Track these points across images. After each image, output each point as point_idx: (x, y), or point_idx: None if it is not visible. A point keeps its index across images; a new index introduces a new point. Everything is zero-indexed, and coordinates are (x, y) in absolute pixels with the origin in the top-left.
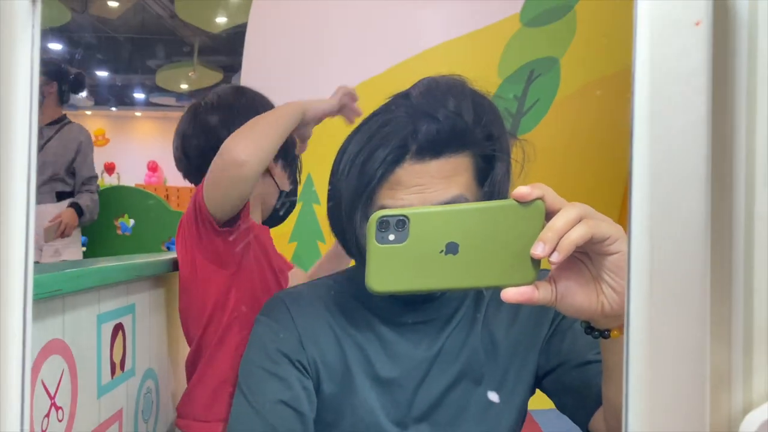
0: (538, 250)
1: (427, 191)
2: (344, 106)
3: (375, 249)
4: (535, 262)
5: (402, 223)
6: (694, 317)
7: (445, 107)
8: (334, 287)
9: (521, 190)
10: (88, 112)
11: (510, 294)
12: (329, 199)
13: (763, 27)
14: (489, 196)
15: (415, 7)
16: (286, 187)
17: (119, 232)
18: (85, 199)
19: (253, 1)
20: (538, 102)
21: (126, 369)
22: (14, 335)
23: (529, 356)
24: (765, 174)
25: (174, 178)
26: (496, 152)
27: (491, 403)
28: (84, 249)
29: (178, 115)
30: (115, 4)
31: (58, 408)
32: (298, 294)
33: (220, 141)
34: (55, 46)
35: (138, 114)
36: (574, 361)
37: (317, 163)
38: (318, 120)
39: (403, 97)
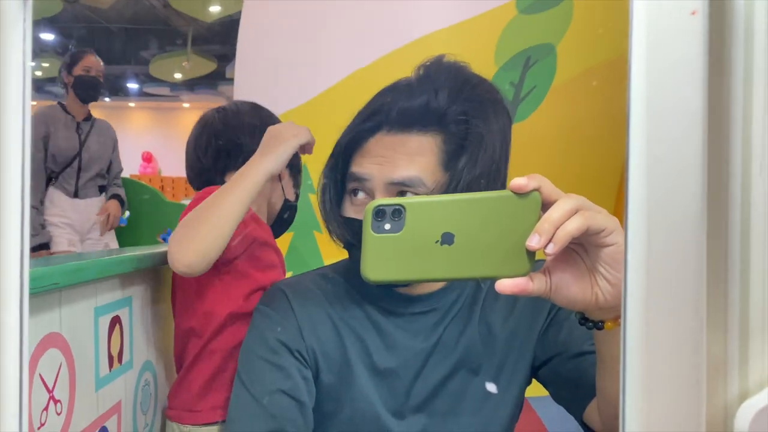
0: (534, 241)
1: (386, 164)
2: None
3: (371, 238)
4: (531, 253)
5: (398, 212)
6: (691, 306)
7: (426, 85)
8: (332, 277)
9: (518, 182)
10: None
11: (504, 285)
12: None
13: (759, 16)
14: (450, 180)
15: None
16: (292, 196)
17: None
18: (122, 192)
19: None
20: (534, 89)
21: (124, 362)
22: (11, 329)
23: (526, 347)
24: (761, 162)
25: (168, 168)
26: (467, 138)
27: (488, 393)
28: None
29: (172, 105)
30: None
31: (56, 401)
32: (297, 284)
33: (226, 153)
34: (47, 36)
35: (132, 105)
36: (570, 352)
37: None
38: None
39: (408, 76)
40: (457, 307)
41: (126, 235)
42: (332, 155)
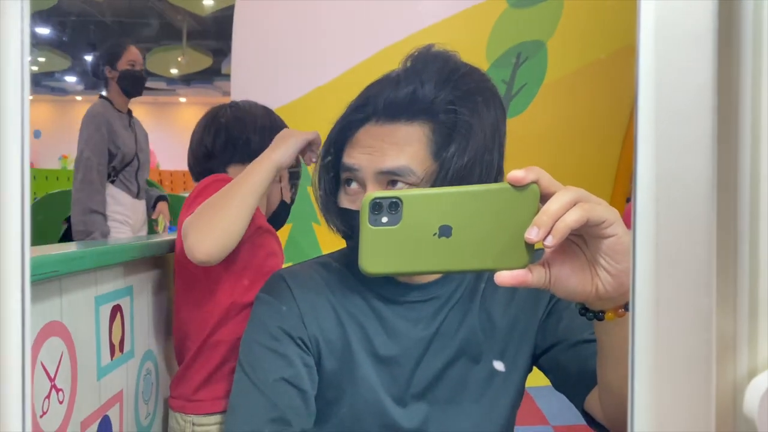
0: (532, 234)
1: (375, 154)
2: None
3: (368, 231)
4: (529, 245)
5: (395, 205)
6: (700, 283)
7: (412, 75)
8: (333, 265)
9: (516, 174)
10: (78, 98)
11: (503, 277)
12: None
13: None
14: (440, 168)
15: None
16: (288, 198)
17: None
18: (164, 193)
19: None
20: (525, 86)
21: (125, 351)
22: (13, 317)
23: (526, 335)
24: None
25: (167, 162)
26: (455, 127)
27: (489, 380)
28: None
29: (168, 99)
30: None
31: (58, 390)
32: (298, 272)
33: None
34: (42, 30)
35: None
36: (571, 341)
37: None
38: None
39: (400, 64)
40: (458, 296)
41: None
42: (324, 147)
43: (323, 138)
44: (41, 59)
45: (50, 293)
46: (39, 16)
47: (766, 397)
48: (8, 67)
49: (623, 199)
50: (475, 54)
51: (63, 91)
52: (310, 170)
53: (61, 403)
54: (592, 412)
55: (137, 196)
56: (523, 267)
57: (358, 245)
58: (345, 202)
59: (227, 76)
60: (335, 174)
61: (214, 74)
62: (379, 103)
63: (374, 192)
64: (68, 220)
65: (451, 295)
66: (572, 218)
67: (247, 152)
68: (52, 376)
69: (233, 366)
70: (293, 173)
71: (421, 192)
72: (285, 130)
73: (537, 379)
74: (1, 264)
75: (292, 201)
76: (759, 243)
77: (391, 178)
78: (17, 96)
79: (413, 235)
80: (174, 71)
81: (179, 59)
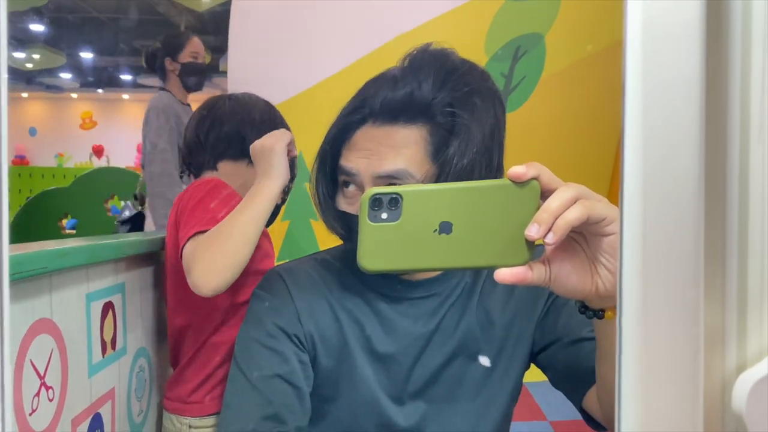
0: (533, 231)
1: (372, 157)
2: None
3: (367, 227)
4: (530, 242)
5: (395, 201)
6: (688, 277)
7: (409, 76)
8: (330, 262)
9: (516, 170)
10: (74, 95)
11: (503, 274)
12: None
13: None
14: (439, 171)
15: None
16: (279, 198)
17: (109, 214)
18: None
19: None
20: (524, 79)
21: (117, 348)
22: None
23: (525, 332)
24: (759, 132)
25: None
26: (454, 128)
27: (487, 378)
28: (73, 232)
29: None
30: None
31: (48, 388)
32: (295, 268)
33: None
34: (37, 27)
35: (126, 96)
36: (569, 338)
37: (308, 142)
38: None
39: (398, 64)
40: (457, 293)
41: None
42: (321, 149)
43: (320, 138)
44: (36, 56)
45: (40, 290)
46: (33, 12)
47: (755, 392)
48: None
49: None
50: (474, 48)
51: (58, 89)
52: (309, 167)
53: (51, 401)
54: (590, 410)
55: None
56: (524, 264)
57: (357, 242)
58: (343, 204)
59: (225, 73)
60: (332, 176)
61: (211, 71)
62: (376, 105)
63: (374, 188)
64: (139, 212)
65: (451, 292)
66: (573, 215)
67: (241, 148)
68: (42, 373)
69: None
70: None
71: (422, 188)
72: (255, 144)
73: (535, 374)
74: None
75: (284, 201)
76: (747, 237)
77: (389, 182)
78: None
79: (413, 232)
80: None
81: None
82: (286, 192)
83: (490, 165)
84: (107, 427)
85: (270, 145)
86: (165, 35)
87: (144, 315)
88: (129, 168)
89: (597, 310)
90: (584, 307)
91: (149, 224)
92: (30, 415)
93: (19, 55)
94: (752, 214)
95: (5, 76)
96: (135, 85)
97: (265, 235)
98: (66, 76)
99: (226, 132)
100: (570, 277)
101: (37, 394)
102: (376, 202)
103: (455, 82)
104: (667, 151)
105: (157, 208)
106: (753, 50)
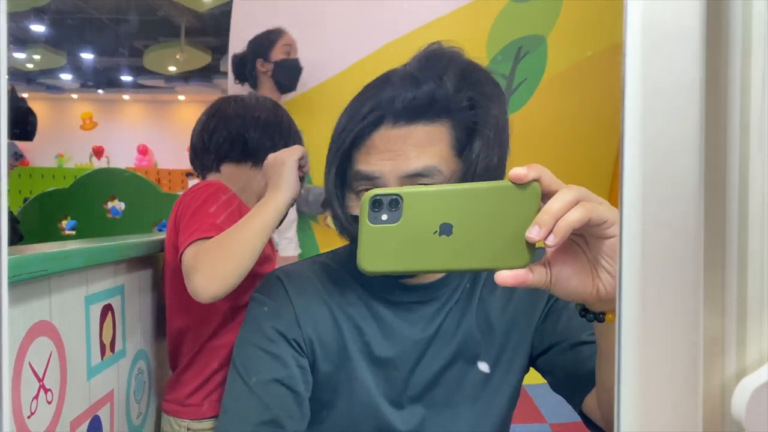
0: (533, 233)
1: (399, 158)
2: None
3: (367, 229)
4: (530, 244)
5: (395, 202)
6: (688, 284)
7: (428, 74)
8: (330, 265)
9: (517, 172)
10: (74, 96)
11: (504, 277)
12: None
13: None
14: (465, 169)
15: None
16: (286, 211)
17: (109, 215)
18: None
19: None
20: (525, 81)
21: (116, 350)
22: None
23: (524, 336)
24: (759, 140)
25: (164, 161)
26: (477, 124)
27: (486, 382)
28: (73, 233)
29: (167, 97)
30: None
31: (47, 390)
32: (294, 272)
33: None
34: (38, 28)
35: (126, 97)
36: (569, 342)
37: (307, 142)
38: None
39: (404, 65)
40: (456, 297)
41: (122, 226)
42: (331, 154)
43: (320, 139)
44: (36, 57)
45: (39, 293)
46: (34, 13)
47: (755, 399)
48: None
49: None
50: (476, 49)
51: (58, 89)
52: (311, 167)
53: (49, 403)
54: (589, 413)
55: None
56: (524, 266)
57: (357, 244)
58: (356, 209)
59: (226, 74)
60: (344, 182)
61: (212, 72)
62: (396, 105)
63: (375, 189)
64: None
65: (450, 296)
66: (574, 218)
67: (244, 151)
68: (41, 376)
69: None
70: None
71: (422, 189)
72: (270, 157)
73: (534, 376)
74: None
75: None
76: (747, 243)
77: (417, 181)
78: None
79: (413, 233)
80: (172, 69)
81: (177, 56)
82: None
83: (501, 164)
84: (106, 429)
85: (282, 159)
86: (254, 36)
87: (143, 317)
88: (129, 169)
89: (597, 313)
90: (585, 310)
91: None
92: (29, 417)
93: (20, 55)
94: (752, 220)
95: (5, 76)
96: (135, 86)
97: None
98: (66, 76)
99: (229, 134)
100: (571, 280)
101: (36, 397)
102: (376, 204)
103: (473, 80)
104: (667, 158)
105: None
106: (753, 55)
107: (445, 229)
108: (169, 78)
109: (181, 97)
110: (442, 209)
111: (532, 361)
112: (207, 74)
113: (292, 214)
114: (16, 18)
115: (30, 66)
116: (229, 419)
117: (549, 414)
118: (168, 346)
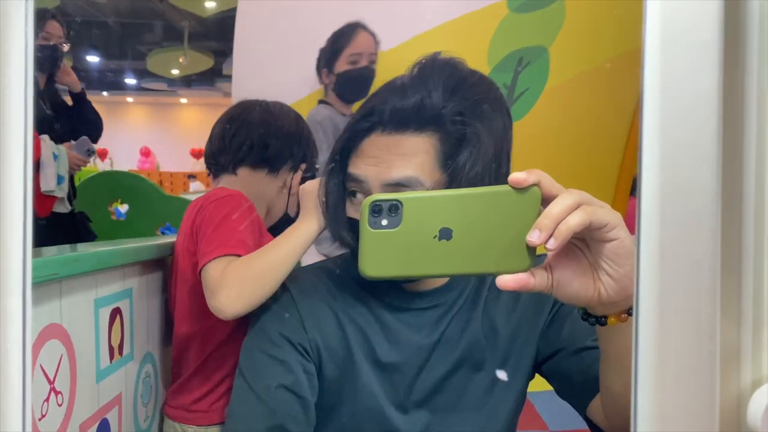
0: (534, 237)
1: (381, 165)
2: None
3: (368, 234)
4: (531, 249)
5: (395, 207)
6: (704, 293)
7: (418, 84)
8: (335, 271)
9: (517, 176)
10: None
11: (505, 281)
12: None
13: None
14: (450, 180)
15: None
16: (293, 212)
17: (113, 217)
18: None
19: None
20: (527, 91)
21: (124, 353)
22: (14, 320)
23: (529, 342)
24: None
25: (166, 163)
26: (466, 135)
27: (491, 388)
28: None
29: (170, 100)
30: None
31: (57, 393)
32: (299, 277)
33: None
34: None
35: (129, 100)
36: (573, 347)
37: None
38: None
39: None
40: (461, 303)
41: (126, 229)
42: (330, 157)
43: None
44: None
45: (50, 295)
46: (40, 16)
47: None
48: (12, 68)
49: (624, 204)
50: (477, 58)
51: (63, 92)
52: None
53: (60, 405)
54: (595, 419)
55: None
56: (525, 270)
57: (358, 249)
58: (351, 212)
59: (228, 77)
60: (341, 183)
61: (215, 75)
62: (385, 113)
63: (375, 194)
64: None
65: (455, 302)
66: (575, 221)
67: (262, 156)
68: (51, 378)
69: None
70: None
71: (422, 194)
72: (304, 186)
73: (536, 384)
74: (3, 266)
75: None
76: (764, 252)
77: (397, 190)
78: (20, 97)
79: (413, 238)
80: (175, 72)
81: (180, 60)
82: (296, 214)
83: (498, 174)
84: None
85: (312, 188)
86: (331, 34)
87: (151, 321)
88: (132, 171)
89: (599, 317)
90: (587, 314)
91: None
92: (40, 420)
93: None
94: None
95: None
96: (139, 89)
97: None
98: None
99: (250, 138)
100: (572, 284)
101: (47, 399)
102: (376, 209)
103: (465, 92)
104: (684, 165)
105: None
106: None
107: (445, 234)
108: (172, 81)
109: (184, 101)
110: (441, 214)
111: (538, 367)
112: (209, 78)
113: None
114: None
115: None
116: (235, 425)
117: (551, 421)
118: (173, 350)
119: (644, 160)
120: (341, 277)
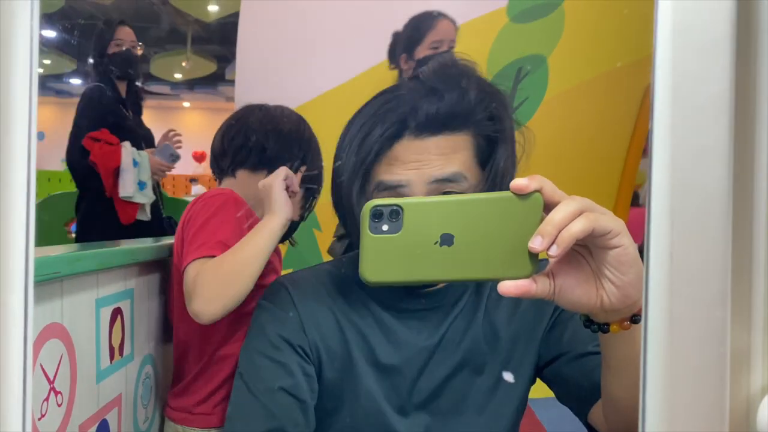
0: (536, 243)
1: (425, 167)
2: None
3: (368, 239)
4: (533, 255)
5: (396, 213)
6: (715, 298)
7: (449, 85)
8: (335, 273)
9: (519, 182)
10: None
11: (507, 287)
12: (332, 179)
13: None
14: (492, 179)
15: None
16: (296, 216)
17: None
18: None
19: None
20: (527, 100)
21: (125, 354)
22: (15, 318)
23: (530, 346)
24: None
25: None
26: (498, 134)
27: (492, 391)
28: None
29: (172, 104)
30: None
31: (57, 392)
32: (299, 279)
33: (250, 148)
34: (49, 33)
35: None
36: (575, 352)
37: (323, 148)
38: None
39: (414, 76)
40: (462, 305)
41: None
42: (361, 168)
43: (327, 147)
44: (47, 62)
45: (51, 294)
46: (45, 18)
47: None
48: (16, 69)
49: (625, 213)
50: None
51: (68, 94)
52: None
53: (59, 405)
54: (596, 424)
55: None
56: (527, 277)
57: (359, 254)
58: None
59: (231, 82)
60: (360, 189)
61: (218, 80)
62: (420, 117)
63: (375, 200)
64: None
65: (455, 305)
66: (577, 228)
67: (261, 159)
68: (51, 378)
69: None
70: (309, 189)
71: (422, 200)
72: (262, 184)
73: (536, 390)
74: (5, 265)
75: (303, 218)
76: None
77: (444, 187)
78: (24, 98)
79: (414, 244)
80: (178, 76)
81: (183, 64)
82: (301, 217)
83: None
84: None
85: (269, 183)
86: (411, 18)
87: (151, 321)
88: None
89: (602, 324)
90: (589, 321)
91: None
92: (39, 419)
93: None
94: None
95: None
96: (142, 92)
97: (275, 251)
98: (76, 81)
99: (249, 141)
100: (574, 290)
101: (47, 399)
102: (377, 214)
103: (491, 92)
104: (695, 168)
105: None
106: None
107: (447, 240)
108: (175, 85)
109: (186, 104)
110: (442, 220)
111: (539, 372)
112: (212, 82)
113: None
114: None
115: (41, 70)
116: (234, 427)
117: (551, 428)
118: (174, 352)
119: (655, 161)
120: (341, 279)
